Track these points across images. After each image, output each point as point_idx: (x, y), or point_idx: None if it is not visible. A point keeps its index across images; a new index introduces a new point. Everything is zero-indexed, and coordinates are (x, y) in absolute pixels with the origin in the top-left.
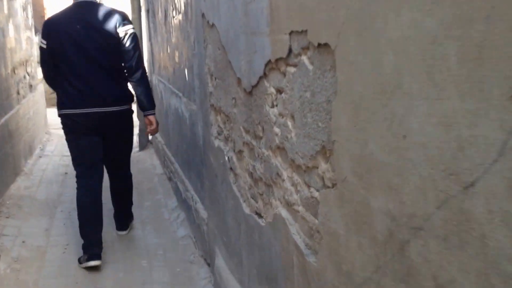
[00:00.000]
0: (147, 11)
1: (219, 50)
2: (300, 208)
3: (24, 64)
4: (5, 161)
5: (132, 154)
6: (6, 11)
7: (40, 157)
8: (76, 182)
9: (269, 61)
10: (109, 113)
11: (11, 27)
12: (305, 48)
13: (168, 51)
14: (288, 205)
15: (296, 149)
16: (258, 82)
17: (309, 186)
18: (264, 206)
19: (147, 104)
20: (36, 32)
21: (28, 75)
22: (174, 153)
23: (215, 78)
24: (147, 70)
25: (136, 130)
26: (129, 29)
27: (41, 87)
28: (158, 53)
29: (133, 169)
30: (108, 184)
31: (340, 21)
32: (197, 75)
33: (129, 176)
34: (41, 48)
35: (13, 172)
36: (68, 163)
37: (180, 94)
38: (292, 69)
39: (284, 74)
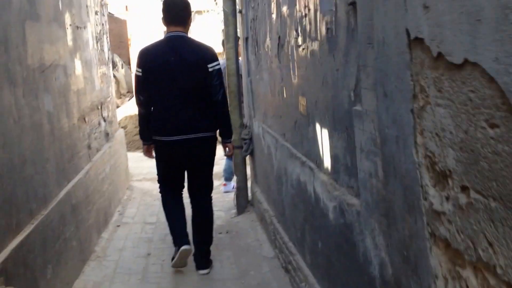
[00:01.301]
0: (246, 39)
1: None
2: None
3: (99, 107)
4: (65, 251)
5: (230, 219)
6: (70, 42)
7: (118, 226)
8: (160, 191)
9: None
10: (199, 138)
11: (78, 64)
12: None
13: (284, 95)
14: None
15: None
16: None
17: None
18: None
19: (227, 134)
20: (115, 67)
21: (104, 120)
22: (295, 241)
23: (461, 188)
24: (245, 113)
25: (233, 182)
26: (217, 65)
27: (121, 133)
28: (264, 95)
29: (232, 247)
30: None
31: None
32: (369, 154)
33: (210, 199)
34: (136, 77)
35: (79, 259)
36: (151, 235)
37: (312, 165)
38: None
39: None
